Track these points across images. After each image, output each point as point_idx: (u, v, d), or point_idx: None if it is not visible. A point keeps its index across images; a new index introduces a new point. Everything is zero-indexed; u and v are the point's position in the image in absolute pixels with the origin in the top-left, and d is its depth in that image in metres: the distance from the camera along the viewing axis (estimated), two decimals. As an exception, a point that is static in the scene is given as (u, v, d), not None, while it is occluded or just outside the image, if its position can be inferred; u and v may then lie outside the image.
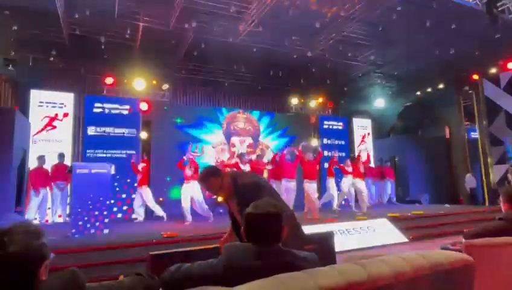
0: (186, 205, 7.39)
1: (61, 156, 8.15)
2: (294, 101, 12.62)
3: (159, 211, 8.02)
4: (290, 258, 1.41)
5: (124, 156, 9.32)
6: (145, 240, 5.12)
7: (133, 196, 9.16)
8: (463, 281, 1.41)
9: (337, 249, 3.30)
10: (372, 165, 11.58)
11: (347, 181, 8.95)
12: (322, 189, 10.41)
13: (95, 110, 9.25)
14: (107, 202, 6.09)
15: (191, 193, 7.44)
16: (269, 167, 8.61)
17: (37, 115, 8.70)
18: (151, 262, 2.31)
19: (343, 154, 12.44)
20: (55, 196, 7.89)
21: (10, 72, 8.72)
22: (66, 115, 9.09)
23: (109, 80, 9.65)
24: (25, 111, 8.30)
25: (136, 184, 8.33)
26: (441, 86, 12.29)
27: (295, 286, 1.04)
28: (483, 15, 7.35)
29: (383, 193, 11.41)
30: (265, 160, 9.46)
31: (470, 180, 11.40)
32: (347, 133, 13.15)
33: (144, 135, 9.83)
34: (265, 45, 8.90)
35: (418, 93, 13.00)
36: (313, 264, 1.40)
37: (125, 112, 9.57)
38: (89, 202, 5.75)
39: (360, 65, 10.88)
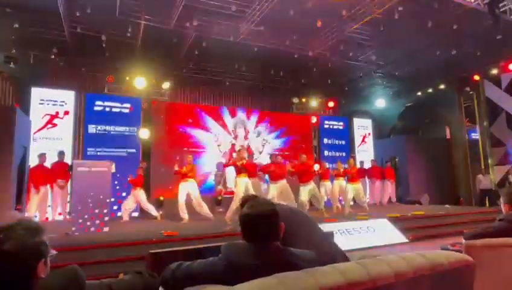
0: (181, 201, 7.38)
1: (62, 154, 8.15)
2: (295, 100, 12.61)
3: (153, 210, 8.01)
4: (290, 257, 1.41)
5: (124, 154, 9.33)
6: (145, 238, 5.13)
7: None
8: (463, 281, 1.41)
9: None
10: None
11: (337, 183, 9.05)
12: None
13: (96, 108, 9.26)
14: (107, 200, 6.09)
15: (187, 189, 7.43)
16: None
17: (37, 113, 8.71)
18: (151, 260, 2.30)
19: (343, 154, 12.45)
20: (55, 194, 7.90)
21: (11, 70, 8.73)
22: (66, 113, 9.10)
23: (110, 79, 9.65)
24: (25, 109, 8.31)
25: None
26: (441, 86, 12.28)
27: (295, 285, 1.04)
28: (485, 16, 7.34)
29: (383, 193, 11.40)
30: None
31: (484, 181, 10.97)
32: (347, 133, 13.15)
33: (144, 133, 9.83)
34: (266, 44, 8.88)
35: (419, 93, 12.99)
36: (312, 263, 1.40)
37: (126, 111, 9.58)
38: (89, 200, 5.76)
39: (361, 65, 10.86)
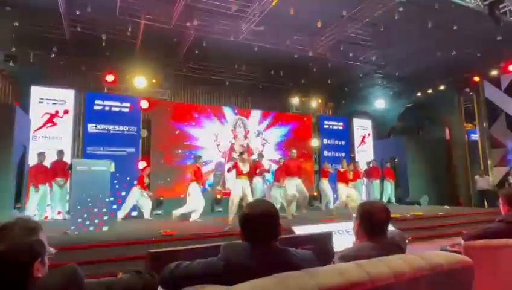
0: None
1: (61, 153, 8.14)
2: (294, 100, 12.62)
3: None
4: (288, 257, 1.41)
5: (124, 154, 9.32)
6: (144, 237, 5.12)
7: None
8: (462, 282, 1.41)
9: (336, 249, 3.30)
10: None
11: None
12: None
13: (96, 107, 9.25)
14: (107, 200, 6.09)
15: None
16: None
17: (37, 112, 8.70)
18: (150, 260, 2.30)
19: (343, 154, 12.45)
20: (54, 193, 7.89)
21: (11, 68, 8.72)
22: (66, 111, 9.08)
23: (110, 78, 9.64)
24: (25, 107, 8.29)
25: (135, 182, 8.33)
26: (441, 87, 12.29)
27: (295, 285, 1.04)
28: (485, 17, 7.34)
29: (382, 194, 11.41)
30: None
31: (481, 182, 10.98)
32: (347, 134, 13.15)
33: (144, 133, 9.82)
34: (267, 44, 8.89)
35: (419, 94, 13.00)
36: (311, 264, 1.40)
37: (126, 110, 9.56)
38: (88, 199, 5.75)
39: (361, 65, 10.86)
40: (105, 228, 5.88)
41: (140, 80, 9.83)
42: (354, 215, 1.79)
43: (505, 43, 8.78)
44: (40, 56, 8.93)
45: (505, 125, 10.67)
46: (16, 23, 7.59)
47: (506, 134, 10.63)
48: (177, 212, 7.38)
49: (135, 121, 9.63)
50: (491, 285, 2.14)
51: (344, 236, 6.03)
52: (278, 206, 7.09)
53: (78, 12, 7.57)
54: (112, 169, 6.20)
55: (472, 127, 13.32)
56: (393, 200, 11.47)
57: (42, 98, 8.83)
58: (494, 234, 2.37)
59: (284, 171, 8.04)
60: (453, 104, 12.29)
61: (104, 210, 5.96)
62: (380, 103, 13.61)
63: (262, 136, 11.84)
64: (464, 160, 12.13)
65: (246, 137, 11.57)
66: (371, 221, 1.65)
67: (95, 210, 5.80)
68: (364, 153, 13.32)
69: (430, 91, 12.61)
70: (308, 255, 1.50)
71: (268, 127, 11.96)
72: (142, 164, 8.27)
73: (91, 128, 9.11)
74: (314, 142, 12.48)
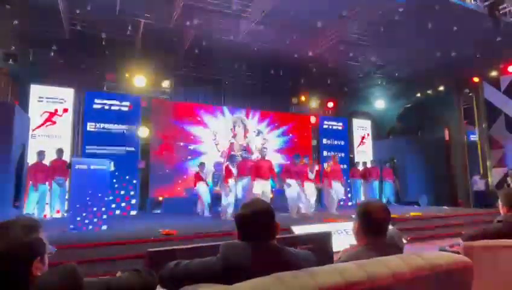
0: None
1: (60, 151, 8.13)
2: (294, 100, 12.62)
3: None
4: (287, 256, 1.41)
5: (123, 152, 9.31)
6: (143, 237, 5.12)
7: (132, 193, 9.18)
8: (461, 282, 1.41)
9: (335, 249, 3.30)
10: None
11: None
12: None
13: (95, 106, 9.24)
14: (106, 198, 6.08)
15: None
16: None
17: (36, 110, 8.69)
18: (150, 259, 2.31)
19: (343, 154, 12.45)
20: (53, 192, 7.88)
21: (10, 67, 8.71)
22: (65, 110, 9.07)
23: (109, 76, 9.64)
24: (24, 106, 8.28)
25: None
26: (441, 88, 12.30)
27: (294, 285, 1.04)
28: (485, 17, 7.35)
29: (381, 194, 11.41)
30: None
31: (476, 183, 11.07)
32: (347, 134, 13.16)
33: (143, 131, 9.81)
34: (267, 44, 8.89)
35: (418, 95, 13.01)
36: (309, 263, 1.40)
37: (125, 109, 9.56)
38: (88, 198, 5.74)
39: (361, 66, 10.88)
40: (104, 227, 5.88)
41: (139, 79, 9.83)
42: (353, 216, 1.78)
43: (505, 44, 8.79)
44: (39, 55, 8.92)
45: (504, 126, 10.68)
46: (15, 21, 7.58)
47: (505, 135, 10.65)
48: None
49: (135, 120, 9.62)
50: (490, 285, 2.14)
51: (343, 236, 6.03)
52: None
53: (78, 11, 7.57)
54: (112, 168, 6.19)
55: (470, 128, 13.32)
56: (392, 200, 11.47)
57: (42, 97, 8.82)
58: (493, 234, 2.38)
59: (255, 171, 7.58)
60: (453, 105, 12.30)
61: (103, 209, 5.95)
62: (379, 103, 13.62)
63: (262, 135, 11.84)
64: (463, 161, 12.14)
65: (245, 136, 11.57)
66: (370, 221, 1.64)
67: (94, 209, 5.79)
68: (364, 154, 13.32)
69: (429, 92, 12.62)
70: (307, 254, 1.51)
71: (268, 126, 11.96)
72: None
73: (90, 127, 9.10)
74: (314, 142, 12.48)
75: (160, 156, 10.00)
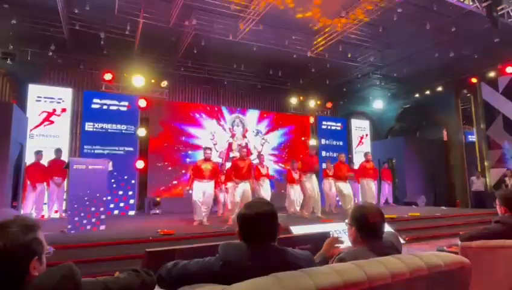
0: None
1: (58, 151, 8.11)
2: (293, 100, 12.63)
3: None
4: (286, 257, 1.41)
5: (121, 152, 9.30)
6: (141, 237, 5.11)
7: (130, 193, 9.17)
8: (459, 282, 1.41)
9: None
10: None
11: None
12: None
13: (93, 106, 9.22)
14: (104, 198, 6.06)
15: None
16: None
17: (34, 110, 8.66)
18: (148, 259, 2.30)
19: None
20: (51, 192, 7.85)
21: (8, 66, 8.68)
22: (64, 110, 9.05)
23: (108, 76, 9.62)
24: (22, 105, 8.26)
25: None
26: (439, 88, 12.34)
27: (293, 285, 1.04)
28: (483, 18, 7.37)
29: (380, 195, 11.42)
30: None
31: (477, 183, 11.00)
32: (345, 134, 13.17)
33: (141, 131, 9.80)
34: (266, 44, 8.89)
35: (417, 95, 13.05)
36: (308, 263, 1.40)
37: (124, 109, 9.55)
38: (86, 198, 5.72)
39: (360, 66, 10.89)
40: (102, 227, 5.86)
41: (138, 79, 9.81)
42: (347, 221, 1.75)
43: (503, 44, 8.83)
44: (37, 54, 8.90)
45: (502, 127, 10.71)
46: (13, 20, 7.55)
47: (503, 135, 10.68)
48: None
49: (133, 120, 9.61)
50: (487, 285, 2.15)
51: (341, 236, 6.03)
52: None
53: (76, 10, 7.55)
54: (110, 168, 6.17)
55: (468, 129, 13.36)
56: (390, 200, 11.49)
57: (40, 96, 8.79)
58: (491, 234, 2.38)
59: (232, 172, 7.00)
60: (451, 106, 12.34)
61: (102, 209, 5.93)
62: (378, 104, 13.64)
63: (262, 135, 11.84)
64: (461, 161, 12.18)
65: (244, 136, 11.57)
66: (367, 225, 1.63)
67: (93, 209, 5.77)
68: (362, 154, 13.32)
69: (428, 92, 12.66)
70: (306, 255, 1.50)
71: (267, 126, 11.96)
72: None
73: (89, 126, 9.08)
74: (313, 143, 12.49)
75: (159, 156, 9.99)
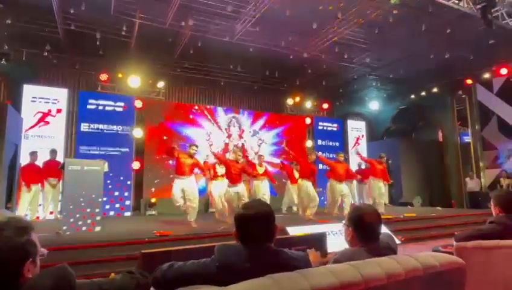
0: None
1: (53, 152, 8.05)
2: (289, 101, 12.64)
3: None
4: (283, 258, 1.41)
5: (117, 153, 9.26)
6: (137, 238, 5.08)
7: (126, 194, 9.13)
8: (454, 283, 1.42)
9: (330, 249, 3.31)
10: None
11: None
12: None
13: (89, 106, 9.18)
14: (99, 200, 6.03)
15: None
16: None
17: (29, 110, 8.60)
18: (143, 260, 2.29)
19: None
20: (46, 193, 7.80)
21: (3, 67, 8.61)
22: (59, 110, 8.99)
23: (104, 77, 9.57)
24: (17, 106, 8.19)
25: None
26: (435, 89, 12.40)
27: (289, 286, 1.04)
28: (478, 20, 7.43)
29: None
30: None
31: (471, 184, 11.09)
32: (341, 135, 13.21)
33: (137, 132, 9.76)
34: (262, 44, 8.90)
35: (412, 96, 13.10)
36: (304, 264, 1.40)
37: (120, 109, 9.51)
38: (81, 199, 5.69)
39: (356, 67, 10.94)
40: (97, 228, 5.82)
41: (134, 80, 9.76)
42: (344, 221, 1.76)
43: (497, 46, 8.90)
44: (33, 54, 8.83)
45: (496, 128, 10.80)
46: (8, 20, 7.50)
47: (497, 136, 10.76)
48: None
49: (129, 121, 9.57)
50: (482, 285, 2.16)
51: (338, 237, 6.04)
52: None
53: (72, 10, 7.50)
54: (106, 169, 6.14)
55: (463, 130, 13.45)
56: (386, 201, 11.52)
57: (35, 97, 8.73)
58: (485, 235, 2.40)
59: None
60: (446, 107, 12.42)
61: (97, 210, 5.90)
62: (374, 105, 13.69)
63: (259, 135, 11.83)
64: (456, 162, 12.26)
65: (240, 136, 11.55)
66: (365, 226, 1.63)
67: (88, 210, 5.74)
68: (358, 155, 13.35)
69: (423, 93, 12.72)
70: (302, 256, 1.50)
71: (263, 127, 11.96)
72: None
73: (84, 127, 9.04)
74: (309, 143, 12.51)
75: (155, 156, 9.95)
